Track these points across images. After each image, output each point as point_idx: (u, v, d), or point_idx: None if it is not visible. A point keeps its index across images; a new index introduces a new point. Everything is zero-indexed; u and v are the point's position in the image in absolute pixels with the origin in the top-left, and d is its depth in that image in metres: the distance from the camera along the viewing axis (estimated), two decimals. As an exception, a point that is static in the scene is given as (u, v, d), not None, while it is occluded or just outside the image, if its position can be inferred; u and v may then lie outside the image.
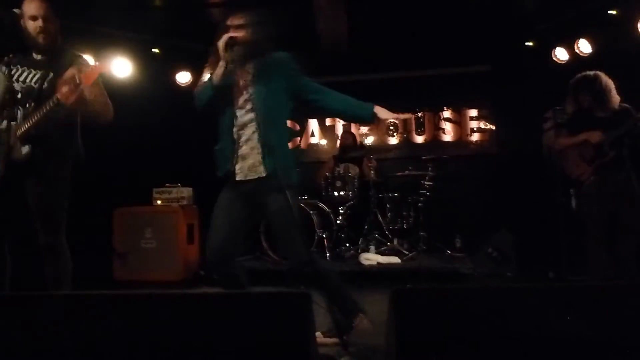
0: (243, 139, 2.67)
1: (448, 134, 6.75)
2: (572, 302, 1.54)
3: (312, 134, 7.19)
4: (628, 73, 3.69)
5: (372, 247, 5.38)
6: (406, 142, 6.84)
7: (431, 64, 6.48)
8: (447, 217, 5.94)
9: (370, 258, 5.17)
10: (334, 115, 2.72)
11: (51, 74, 2.88)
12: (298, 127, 7.20)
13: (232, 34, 2.59)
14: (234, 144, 2.67)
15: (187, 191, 5.62)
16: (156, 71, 5.98)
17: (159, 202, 5.57)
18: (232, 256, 2.72)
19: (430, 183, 5.72)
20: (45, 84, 2.87)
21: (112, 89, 4.53)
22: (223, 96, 2.64)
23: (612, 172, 3.62)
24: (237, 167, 2.68)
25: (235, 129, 2.67)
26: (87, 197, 5.41)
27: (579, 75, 3.75)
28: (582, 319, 1.49)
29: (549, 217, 5.18)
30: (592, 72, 3.68)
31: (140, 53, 5.71)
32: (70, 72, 2.72)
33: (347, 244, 5.62)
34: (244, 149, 2.67)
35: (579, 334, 1.47)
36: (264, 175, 2.65)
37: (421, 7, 5.23)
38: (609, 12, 4.87)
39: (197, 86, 2.79)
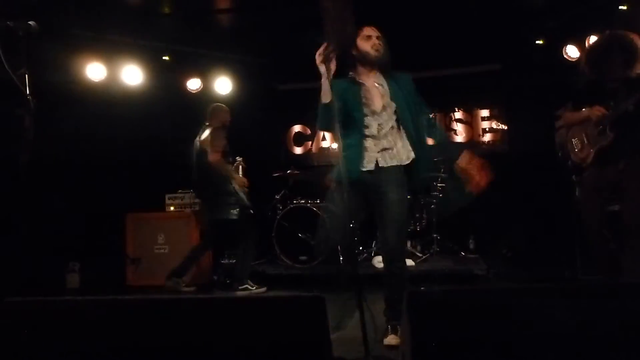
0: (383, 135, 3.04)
1: (460, 134, 6.72)
2: (583, 301, 1.52)
3: (324, 138, 7.19)
4: None
5: (385, 250, 5.36)
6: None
7: (441, 65, 6.44)
8: (460, 218, 5.90)
9: (383, 261, 5.14)
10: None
11: None
12: (309, 132, 7.22)
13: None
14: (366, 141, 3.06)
15: (199, 197, 5.64)
16: (167, 78, 6.02)
17: (171, 207, 5.60)
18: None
19: (443, 185, 5.70)
20: None
21: (124, 96, 4.56)
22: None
23: (611, 161, 3.04)
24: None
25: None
26: (100, 202, 5.48)
27: (607, 32, 3.17)
28: (594, 318, 1.47)
29: (563, 215, 5.14)
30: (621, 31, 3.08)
31: (150, 60, 5.77)
32: None
33: (360, 247, 5.60)
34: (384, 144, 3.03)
35: (591, 333, 1.45)
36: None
37: (430, 7, 5.21)
38: (619, 7, 4.82)
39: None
